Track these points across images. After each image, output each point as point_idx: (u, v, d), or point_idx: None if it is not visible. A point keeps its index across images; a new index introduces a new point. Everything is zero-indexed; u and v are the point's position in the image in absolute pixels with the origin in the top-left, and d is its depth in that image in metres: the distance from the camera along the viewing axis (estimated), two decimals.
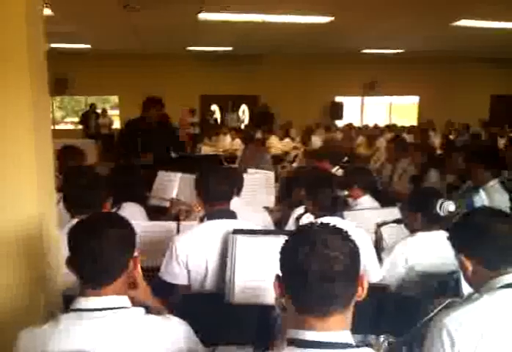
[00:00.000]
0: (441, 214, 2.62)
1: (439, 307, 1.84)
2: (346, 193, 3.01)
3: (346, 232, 1.26)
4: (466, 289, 1.97)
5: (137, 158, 4.97)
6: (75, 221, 2.36)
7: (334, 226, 1.27)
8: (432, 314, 1.82)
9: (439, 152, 7.01)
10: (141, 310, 1.53)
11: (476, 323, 1.51)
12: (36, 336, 1.45)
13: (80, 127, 13.78)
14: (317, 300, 1.19)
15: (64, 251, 2.05)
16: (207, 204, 2.48)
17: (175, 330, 1.54)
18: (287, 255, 1.24)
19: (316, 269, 1.17)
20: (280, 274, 1.27)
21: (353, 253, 1.22)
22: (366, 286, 1.25)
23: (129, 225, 1.60)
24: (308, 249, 1.18)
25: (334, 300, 1.19)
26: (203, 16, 7.91)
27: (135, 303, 1.59)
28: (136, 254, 1.60)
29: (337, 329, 1.20)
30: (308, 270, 1.17)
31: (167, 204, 3.83)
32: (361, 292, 1.25)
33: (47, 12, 6.81)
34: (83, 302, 1.48)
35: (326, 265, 1.17)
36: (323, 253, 1.17)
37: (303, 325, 1.20)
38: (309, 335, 1.18)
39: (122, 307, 1.49)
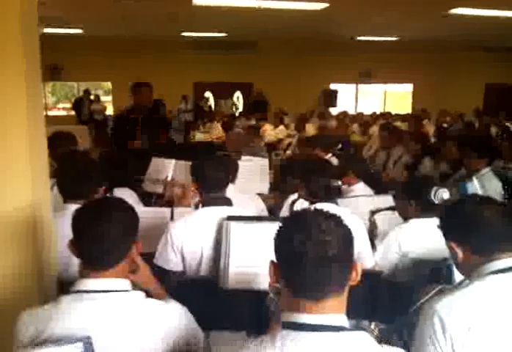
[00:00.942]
0: (436, 202, 2.63)
1: (430, 294, 1.86)
2: (340, 182, 3.01)
3: (339, 217, 1.27)
4: (458, 276, 1.99)
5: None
6: (68, 206, 2.40)
7: (327, 211, 1.29)
8: (422, 300, 1.84)
9: (432, 140, 7.03)
10: (141, 294, 1.54)
11: (467, 308, 1.52)
12: (37, 316, 1.46)
13: (72, 113, 13.68)
14: (313, 283, 1.20)
15: (58, 235, 2.08)
16: (203, 191, 2.49)
17: (174, 314, 1.55)
18: (282, 240, 1.26)
19: (311, 253, 1.18)
20: (275, 260, 1.27)
21: (347, 237, 1.24)
22: (360, 271, 1.27)
23: (132, 209, 1.62)
24: (303, 233, 1.20)
25: (329, 283, 1.21)
26: (198, 1, 7.82)
27: (136, 287, 1.60)
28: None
29: (332, 312, 1.21)
30: (303, 254, 1.18)
31: (161, 190, 3.83)
32: (356, 277, 1.26)
33: None
34: (85, 284, 1.49)
35: (321, 249, 1.18)
36: (318, 237, 1.19)
37: (298, 309, 1.21)
38: (304, 318, 1.20)
39: (123, 290, 1.51)
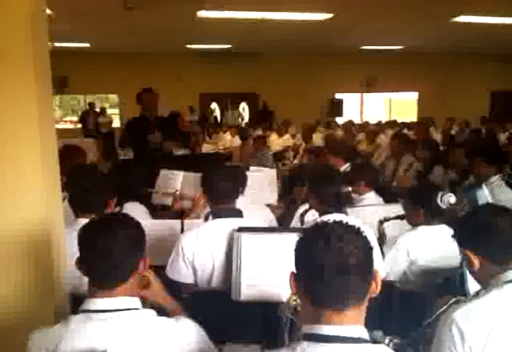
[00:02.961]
0: (443, 207, 2.62)
1: (445, 306, 1.84)
2: (350, 189, 2.99)
3: (359, 228, 1.28)
4: (471, 285, 1.97)
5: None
6: (80, 220, 2.41)
7: (347, 223, 1.29)
8: (438, 312, 1.82)
9: (441, 148, 6.99)
10: (152, 312, 1.52)
11: (485, 317, 1.52)
12: (47, 336, 1.45)
13: (79, 126, 13.77)
14: (332, 292, 1.20)
15: (69, 250, 2.07)
16: (212, 202, 2.49)
17: (186, 332, 1.53)
18: (302, 250, 1.26)
19: (331, 262, 1.18)
20: (295, 271, 1.28)
21: (367, 248, 1.25)
22: (380, 282, 1.27)
23: (139, 226, 1.60)
24: (323, 243, 1.20)
25: (349, 293, 1.21)
26: (202, 14, 7.89)
27: (147, 302, 1.59)
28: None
29: (351, 324, 1.21)
30: (323, 264, 1.19)
31: (170, 202, 3.83)
32: (376, 288, 1.26)
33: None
34: (93, 303, 1.47)
35: (341, 259, 1.19)
36: (338, 247, 1.20)
37: (318, 320, 1.21)
38: (324, 329, 1.20)
39: (132, 309, 1.48)
